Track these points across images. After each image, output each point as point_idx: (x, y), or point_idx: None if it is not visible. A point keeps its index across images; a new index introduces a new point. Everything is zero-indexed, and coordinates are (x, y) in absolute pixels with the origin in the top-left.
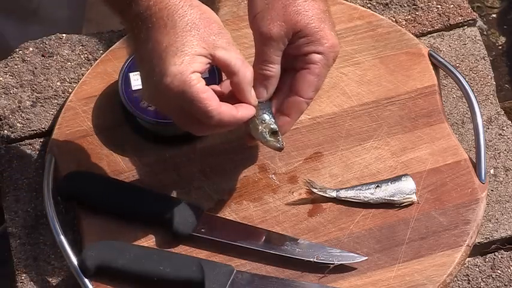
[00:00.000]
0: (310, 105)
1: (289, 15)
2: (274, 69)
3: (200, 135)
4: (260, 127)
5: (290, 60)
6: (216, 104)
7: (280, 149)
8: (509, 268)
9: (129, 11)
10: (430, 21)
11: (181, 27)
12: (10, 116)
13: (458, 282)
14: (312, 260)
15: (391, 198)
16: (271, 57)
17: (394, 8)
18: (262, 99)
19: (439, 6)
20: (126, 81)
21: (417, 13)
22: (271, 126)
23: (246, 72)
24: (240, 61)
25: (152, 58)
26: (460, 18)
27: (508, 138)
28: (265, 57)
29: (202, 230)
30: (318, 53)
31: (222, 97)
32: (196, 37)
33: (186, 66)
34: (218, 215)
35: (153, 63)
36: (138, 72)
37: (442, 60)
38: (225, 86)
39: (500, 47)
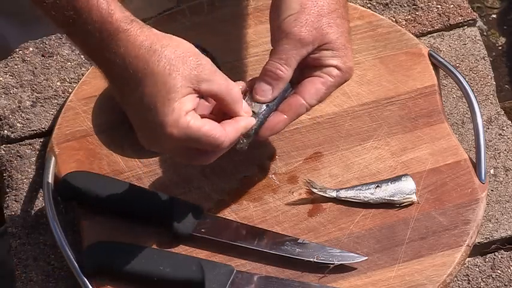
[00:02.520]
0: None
1: (322, 25)
2: (288, 72)
3: (208, 163)
4: None
5: (305, 71)
6: (220, 130)
7: (239, 149)
8: (509, 268)
9: (106, 63)
10: (430, 21)
11: (160, 73)
12: (10, 116)
13: (458, 282)
14: (312, 260)
15: (391, 198)
16: (290, 59)
17: (394, 8)
18: (265, 99)
19: (439, 6)
20: None
21: (417, 13)
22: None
23: (232, 95)
24: (224, 86)
25: (143, 110)
26: (460, 18)
27: (508, 138)
28: (285, 56)
29: (202, 230)
30: (338, 68)
31: (215, 112)
32: (178, 79)
33: (179, 112)
34: (218, 215)
35: (146, 115)
36: None
37: (442, 60)
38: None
39: (500, 47)
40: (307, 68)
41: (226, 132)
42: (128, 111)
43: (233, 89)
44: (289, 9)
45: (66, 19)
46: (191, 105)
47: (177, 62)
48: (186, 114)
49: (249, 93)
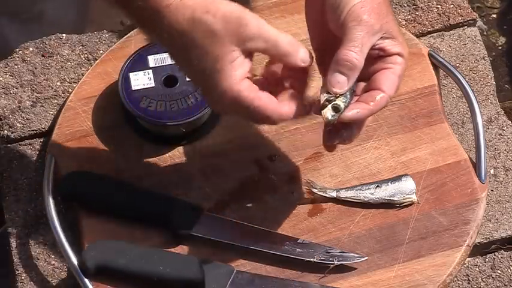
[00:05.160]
0: None
1: (383, 12)
2: (362, 60)
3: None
4: (325, 95)
5: (366, 63)
6: (273, 108)
7: (328, 122)
8: (509, 268)
9: (158, 37)
10: (430, 21)
11: (203, 44)
12: (10, 116)
13: (458, 282)
14: (312, 260)
15: (391, 198)
16: (364, 46)
17: (394, 8)
18: (341, 91)
19: (439, 6)
20: (126, 81)
21: (417, 13)
22: (337, 102)
23: (280, 48)
24: (272, 42)
25: (198, 78)
26: (460, 18)
27: (508, 138)
28: (360, 43)
29: (202, 230)
30: (401, 55)
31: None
32: (222, 44)
33: (230, 79)
34: (218, 215)
35: (201, 83)
36: (138, 72)
37: (442, 60)
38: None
39: (500, 47)
40: (368, 59)
41: (280, 111)
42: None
43: (282, 42)
44: None
45: None
46: (242, 71)
47: (218, 26)
48: (239, 82)
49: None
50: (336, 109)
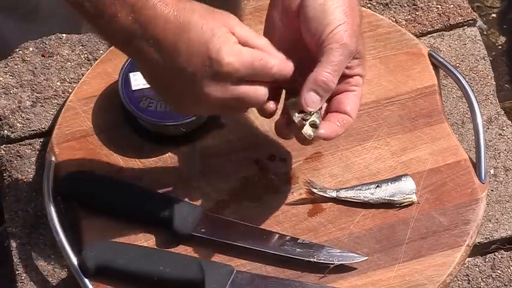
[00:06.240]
0: None
1: (359, 35)
2: (336, 83)
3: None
4: (298, 115)
5: None
6: (267, 54)
7: (310, 139)
8: (509, 268)
9: (141, 34)
10: (430, 21)
11: (196, 20)
12: (10, 116)
13: (458, 282)
14: (312, 260)
15: (391, 198)
16: (341, 70)
17: (394, 8)
18: (314, 110)
19: (439, 6)
20: (126, 81)
21: (417, 13)
22: (313, 119)
23: (264, 41)
24: (253, 33)
25: (192, 59)
26: (460, 18)
27: (508, 138)
28: (339, 67)
29: (202, 230)
30: (362, 76)
31: None
32: (215, 20)
33: (229, 42)
34: (218, 215)
35: (195, 63)
36: (138, 72)
37: (442, 60)
38: None
39: (500, 47)
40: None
41: (286, 64)
42: (168, 80)
43: (263, 38)
44: (337, 19)
45: None
46: (235, 38)
47: (207, 11)
48: (235, 43)
49: (291, 104)
50: (313, 125)
